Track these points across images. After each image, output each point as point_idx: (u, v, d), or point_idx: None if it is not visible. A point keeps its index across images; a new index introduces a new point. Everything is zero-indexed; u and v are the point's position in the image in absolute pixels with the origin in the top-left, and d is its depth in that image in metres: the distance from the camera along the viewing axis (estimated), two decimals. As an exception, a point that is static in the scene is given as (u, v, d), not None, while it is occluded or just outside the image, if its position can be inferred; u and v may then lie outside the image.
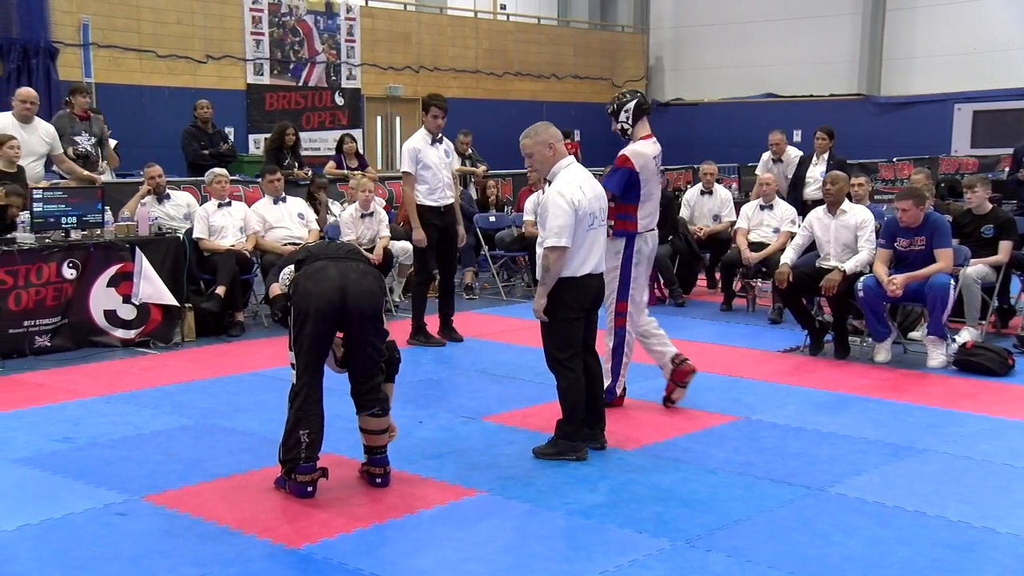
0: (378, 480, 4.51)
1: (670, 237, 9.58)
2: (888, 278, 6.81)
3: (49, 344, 7.17)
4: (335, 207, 9.85)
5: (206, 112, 10.72)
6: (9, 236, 7.20)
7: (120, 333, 7.48)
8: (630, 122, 5.59)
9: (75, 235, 7.43)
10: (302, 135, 11.77)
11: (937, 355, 6.90)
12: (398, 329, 6.78)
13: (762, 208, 9.07)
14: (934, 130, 17.89)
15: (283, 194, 8.74)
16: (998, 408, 5.91)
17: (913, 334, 7.54)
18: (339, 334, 4.41)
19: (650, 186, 5.59)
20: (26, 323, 7.04)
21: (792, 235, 8.12)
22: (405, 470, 4.68)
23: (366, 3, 17.19)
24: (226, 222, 8.33)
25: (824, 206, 7.42)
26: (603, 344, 5.48)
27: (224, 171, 8.89)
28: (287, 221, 8.60)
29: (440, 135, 7.60)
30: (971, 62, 17.96)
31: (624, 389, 5.84)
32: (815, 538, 3.98)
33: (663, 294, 9.66)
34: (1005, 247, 7.53)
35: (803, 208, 9.20)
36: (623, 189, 5.45)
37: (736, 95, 20.67)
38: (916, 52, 19.01)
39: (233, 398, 6.10)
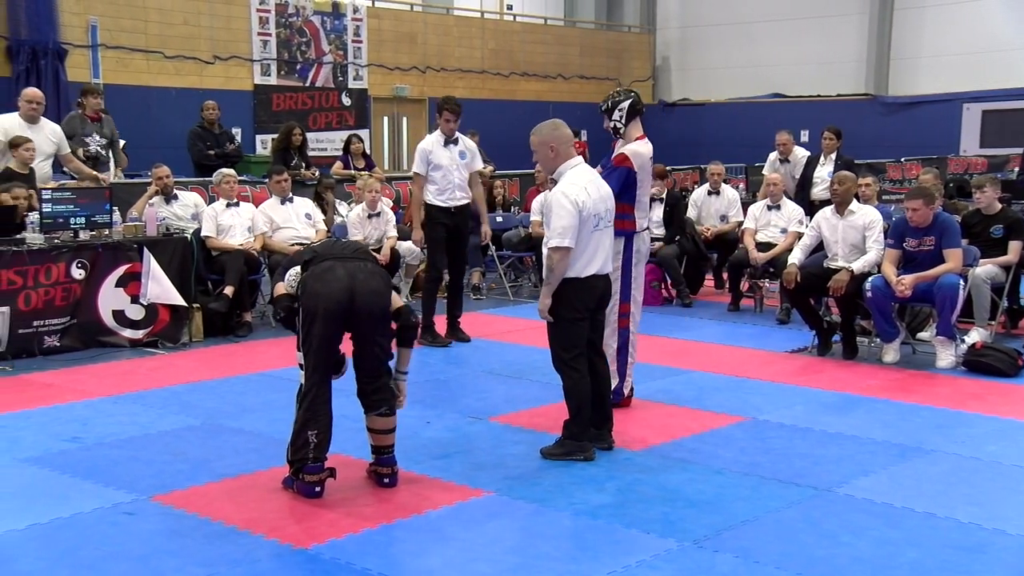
0: (385, 480, 4.51)
1: (677, 237, 9.58)
2: (897, 279, 6.79)
3: (58, 344, 7.19)
4: (342, 207, 9.86)
5: (211, 113, 10.74)
6: (19, 236, 7.23)
7: (128, 333, 7.50)
8: (623, 121, 5.58)
9: (84, 235, 7.45)
10: (309, 135, 11.78)
11: (946, 356, 6.87)
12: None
13: (769, 208, 9.06)
14: (942, 130, 17.80)
15: (290, 194, 8.75)
16: (1007, 409, 5.89)
17: (922, 335, 7.51)
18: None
19: (645, 186, 5.63)
20: (35, 323, 7.07)
21: (799, 235, 8.11)
22: (412, 470, 4.68)
23: (372, 4, 17.19)
24: (234, 222, 8.35)
25: (832, 206, 7.41)
26: (607, 345, 5.48)
27: (232, 171, 8.91)
28: (294, 221, 8.61)
29: (455, 136, 7.64)
30: (979, 61, 17.87)
31: (631, 389, 5.83)
32: (823, 539, 3.96)
33: (670, 294, 9.65)
34: (1015, 247, 7.51)
35: (810, 208, 9.19)
36: (621, 188, 5.46)
37: (743, 95, 20.61)
38: (924, 52, 18.92)
39: (240, 398, 6.11)
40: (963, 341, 7.00)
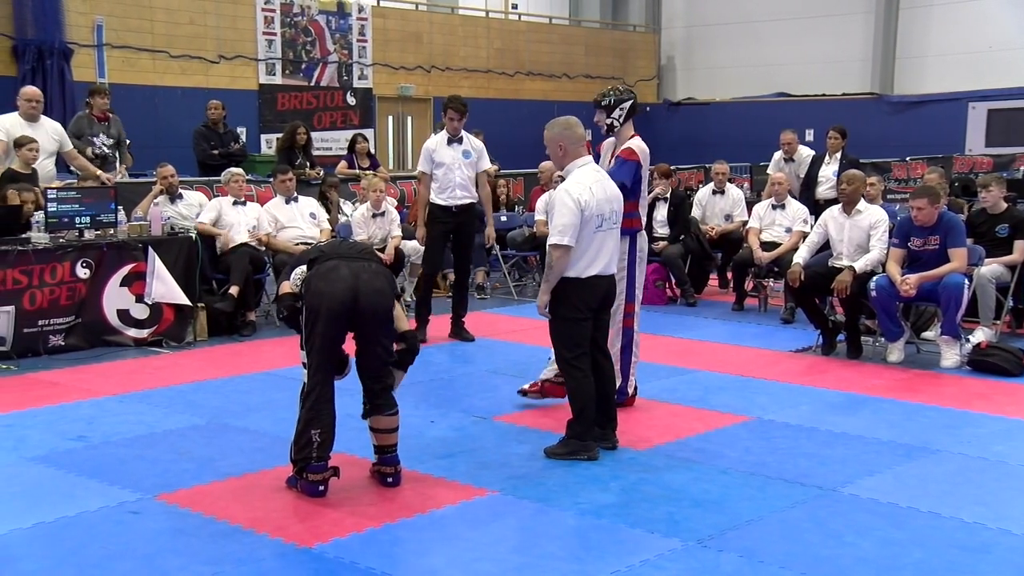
0: (389, 479, 4.51)
1: (681, 237, 9.57)
2: (901, 278, 6.77)
3: (63, 343, 7.20)
4: (347, 207, 9.87)
5: (216, 112, 10.74)
6: (24, 236, 7.24)
7: (133, 332, 7.51)
8: (621, 120, 5.58)
9: (89, 235, 7.46)
10: (314, 135, 11.78)
11: (951, 355, 6.86)
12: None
13: (774, 207, 9.05)
14: (947, 129, 17.76)
15: (295, 194, 8.76)
16: (1013, 408, 5.87)
17: (927, 334, 7.50)
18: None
19: (645, 184, 5.64)
20: (40, 322, 7.08)
21: (804, 235, 8.10)
22: (416, 469, 4.68)
23: (378, 3, 17.20)
24: (239, 219, 8.36)
25: (839, 205, 7.39)
26: (611, 344, 5.47)
27: (240, 170, 8.92)
28: (299, 221, 8.62)
29: (461, 136, 7.64)
30: (985, 60, 17.83)
31: (636, 388, 5.83)
32: (828, 539, 3.96)
33: (674, 294, 9.64)
34: (1020, 246, 7.48)
35: (815, 207, 9.17)
36: (633, 181, 5.45)
37: (748, 94, 20.58)
38: (929, 51, 18.89)
39: (245, 397, 6.11)
40: (968, 340, 6.99)
